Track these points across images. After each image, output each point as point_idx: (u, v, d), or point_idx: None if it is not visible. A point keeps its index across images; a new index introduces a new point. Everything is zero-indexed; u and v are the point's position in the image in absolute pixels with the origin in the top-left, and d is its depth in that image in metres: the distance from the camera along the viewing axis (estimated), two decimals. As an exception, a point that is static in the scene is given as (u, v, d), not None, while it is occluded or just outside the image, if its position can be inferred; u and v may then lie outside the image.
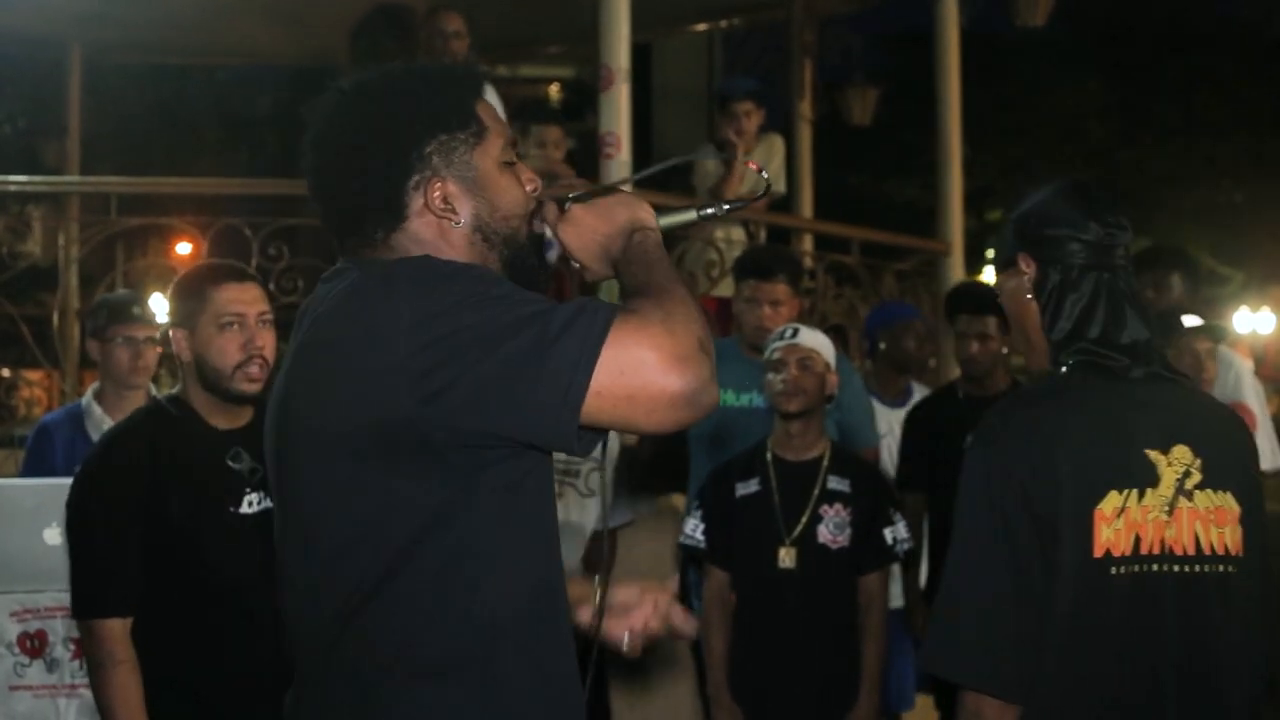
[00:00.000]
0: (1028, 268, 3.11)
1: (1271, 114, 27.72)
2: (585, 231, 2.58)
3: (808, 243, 10.67)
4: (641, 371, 2.25)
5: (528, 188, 2.62)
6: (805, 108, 11.98)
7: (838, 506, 5.24)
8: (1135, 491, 2.92)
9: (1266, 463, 5.82)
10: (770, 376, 5.29)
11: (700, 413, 2.30)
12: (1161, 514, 2.93)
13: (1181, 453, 2.96)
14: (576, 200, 2.63)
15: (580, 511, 6.13)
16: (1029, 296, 3.11)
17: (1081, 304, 3.05)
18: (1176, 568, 2.94)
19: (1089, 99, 28.28)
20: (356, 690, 2.40)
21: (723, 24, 13.86)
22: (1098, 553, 2.89)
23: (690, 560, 5.90)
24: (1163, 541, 2.92)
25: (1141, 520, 2.91)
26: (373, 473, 2.35)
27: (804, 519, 5.22)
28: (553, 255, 2.65)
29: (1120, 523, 2.90)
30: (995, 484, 2.91)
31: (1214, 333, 5.62)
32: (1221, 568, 2.97)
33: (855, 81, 14.12)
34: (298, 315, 2.59)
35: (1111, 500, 2.90)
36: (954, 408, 6.30)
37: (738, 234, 9.03)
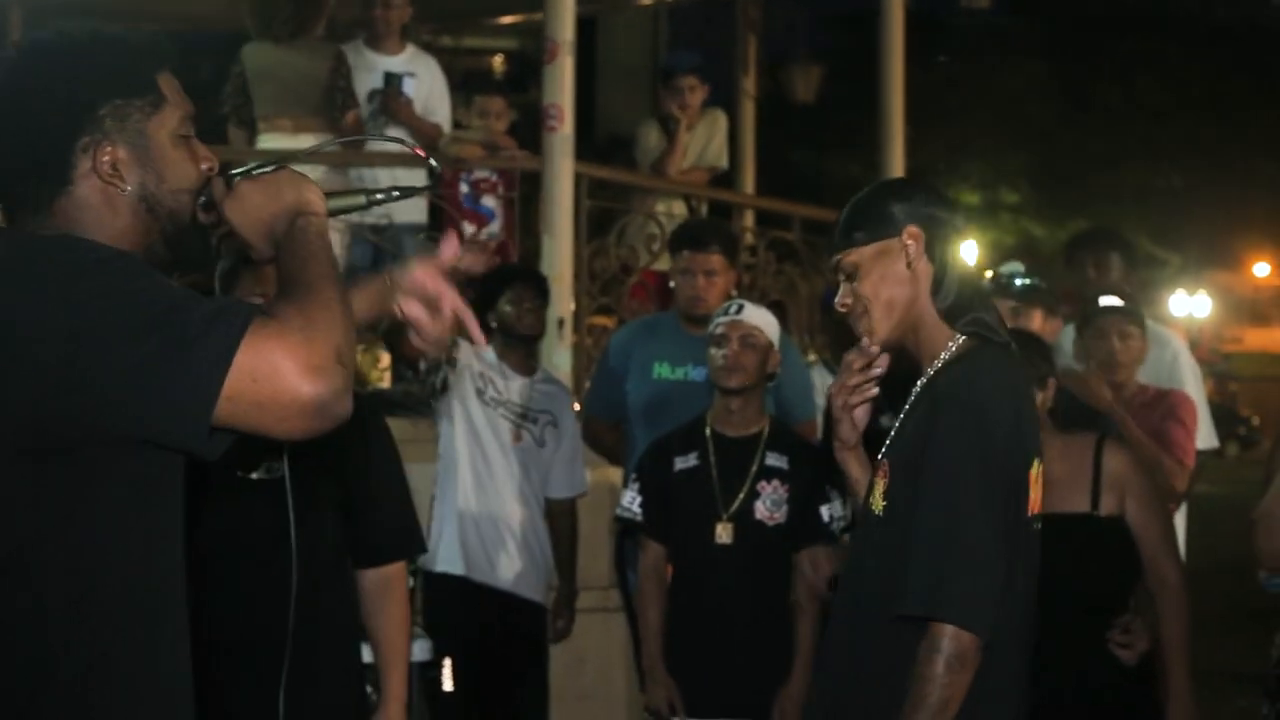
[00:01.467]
0: (915, 239, 3.19)
1: (1211, 98, 27.94)
2: (250, 209, 2.51)
3: (749, 219, 10.68)
4: (274, 379, 2.21)
5: (202, 165, 2.53)
6: (749, 84, 11.97)
7: (775, 483, 5.26)
8: (1039, 457, 3.18)
9: (1204, 442, 5.84)
10: (712, 351, 5.29)
11: (331, 423, 2.27)
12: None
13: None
14: (244, 175, 2.55)
15: (535, 461, 6.16)
16: (907, 267, 3.20)
17: (958, 280, 3.21)
18: (1040, 524, 3.24)
19: (1030, 80, 28.41)
20: None
21: (668, -1, 13.84)
22: (1030, 510, 3.14)
23: (626, 533, 5.92)
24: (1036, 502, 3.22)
25: (1039, 482, 3.17)
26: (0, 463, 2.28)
27: (741, 495, 5.24)
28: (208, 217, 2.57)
29: (1037, 485, 3.15)
30: (987, 438, 3.04)
31: (1131, 313, 5.60)
32: (1040, 523, 3.25)
33: (799, 59, 14.16)
34: None
35: (1035, 465, 3.15)
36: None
37: (680, 208, 9.03)
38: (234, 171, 2.56)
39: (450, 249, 2.83)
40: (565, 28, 7.88)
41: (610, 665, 7.17)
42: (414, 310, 2.78)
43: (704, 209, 9.34)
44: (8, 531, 2.31)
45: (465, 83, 9.03)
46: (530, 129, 8.66)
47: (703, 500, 5.26)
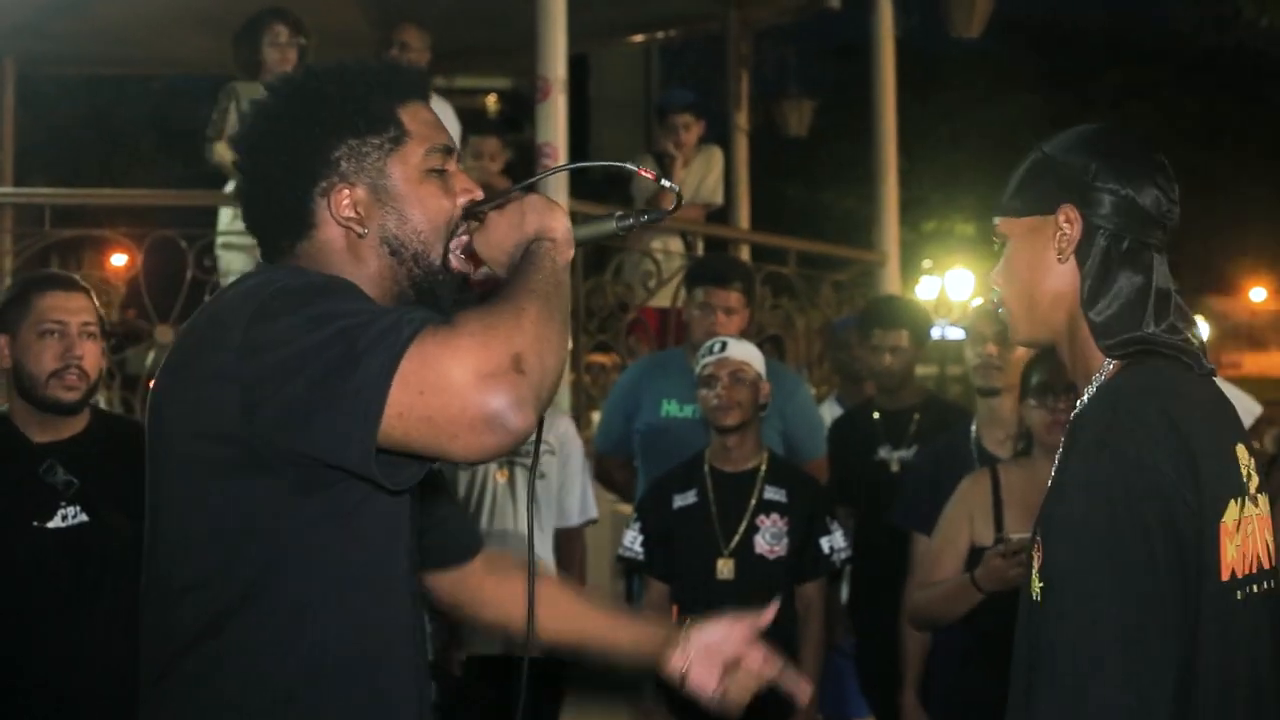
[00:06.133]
0: (1070, 224, 2.48)
1: (1203, 124, 28.00)
2: (496, 240, 2.38)
3: (745, 254, 10.70)
4: (441, 391, 2.02)
5: (461, 199, 2.40)
6: (742, 119, 12.00)
7: (774, 516, 5.24)
8: (1245, 499, 2.37)
9: None
10: (703, 392, 5.27)
11: (509, 439, 2.05)
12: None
13: (1243, 453, 2.41)
14: (496, 206, 2.40)
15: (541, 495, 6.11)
16: (1058, 258, 2.50)
17: (1135, 285, 2.47)
18: (1268, 584, 2.40)
19: (1023, 110, 28.48)
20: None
21: (660, 35, 13.86)
22: (1224, 575, 2.30)
23: (631, 572, 5.89)
24: (1255, 556, 2.38)
25: (1251, 532, 2.36)
26: (211, 481, 2.22)
27: (741, 529, 5.22)
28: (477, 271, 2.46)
29: (1239, 537, 2.33)
30: (1138, 490, 2.23)
31: None
32: (1274, 581, 2.43)
33: (791, 93, 14.17)
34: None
35: (1231, 511, 2.33)
36: (868, 422, 6.30)
37: (676, 245, 9.05)
38: (490, 202, 2.41)
39: (769, 614, 2.73)
40: (558, 66, 7.91)
41: (613, 705, 7.14)
42: (700, 675, 2.69)
43: (700, 245, 9.35)
44: (212, 553, 2.25)
45: (459, 123, 9.01)
46: (525, 168, 8.67)
47: (703, 537, 5.24)
